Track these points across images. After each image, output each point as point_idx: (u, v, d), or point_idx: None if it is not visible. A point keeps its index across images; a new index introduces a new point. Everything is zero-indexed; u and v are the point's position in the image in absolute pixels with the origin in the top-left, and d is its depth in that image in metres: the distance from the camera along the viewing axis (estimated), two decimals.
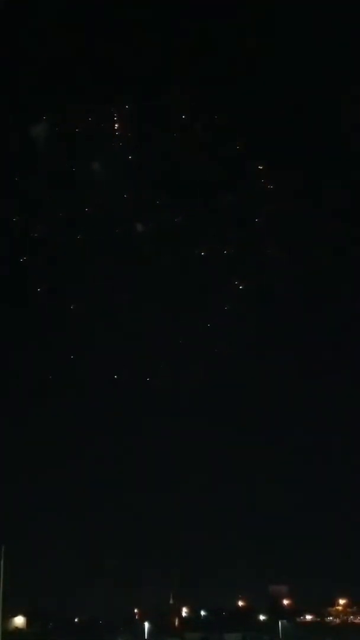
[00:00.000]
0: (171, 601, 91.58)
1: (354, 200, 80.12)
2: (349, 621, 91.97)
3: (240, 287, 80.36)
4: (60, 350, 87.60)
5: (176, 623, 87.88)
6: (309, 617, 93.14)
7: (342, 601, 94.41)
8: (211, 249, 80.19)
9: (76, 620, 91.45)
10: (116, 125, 72.12)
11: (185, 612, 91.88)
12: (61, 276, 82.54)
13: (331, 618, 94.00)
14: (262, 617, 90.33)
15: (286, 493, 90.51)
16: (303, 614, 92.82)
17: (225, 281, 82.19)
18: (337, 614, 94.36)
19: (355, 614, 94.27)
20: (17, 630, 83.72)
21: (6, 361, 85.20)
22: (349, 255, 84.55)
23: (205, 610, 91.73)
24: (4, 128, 72.22)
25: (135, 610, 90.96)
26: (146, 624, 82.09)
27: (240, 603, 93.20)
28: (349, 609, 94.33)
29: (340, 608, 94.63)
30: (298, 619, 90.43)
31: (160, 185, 76.72)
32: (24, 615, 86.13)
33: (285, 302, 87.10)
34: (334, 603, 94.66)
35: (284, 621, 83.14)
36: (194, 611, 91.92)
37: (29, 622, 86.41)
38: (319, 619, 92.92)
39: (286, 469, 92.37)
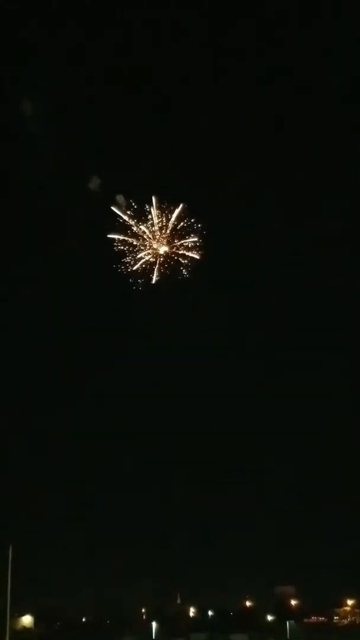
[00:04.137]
0: (178, 601, 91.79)
1: None
2: (357, 622, 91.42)
3: None
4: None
5: (183, 623, 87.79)
6: (316, 618, 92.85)
7: (350, 602, 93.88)
8: None
9: (84, 619, 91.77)
10: None
11: (193, 613, 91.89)
12: None
13: (339, 619, 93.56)
14: (269, 618, 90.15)
15: (293, 494, 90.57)
16: (310, 614, 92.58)
17: None
18: (344, 615, 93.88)
19: None
20: (25, 629, 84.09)
21: None
22: None
23: (212, 610, 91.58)
24: None
25: (143, 610, 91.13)
26: (154, 624, 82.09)
27: (247, 604, 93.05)
28: (356, 610, 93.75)
29: (348, 609, 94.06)
30: (305, 620, 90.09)
31: None
32: (32, 614, 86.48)
33: None
34: (342, 604, 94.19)
35: (292, 622, 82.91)
36: (201, 611, 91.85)
37: (36, 621, 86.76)
38: (326, 620, 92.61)
39: (293, 469, 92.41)
